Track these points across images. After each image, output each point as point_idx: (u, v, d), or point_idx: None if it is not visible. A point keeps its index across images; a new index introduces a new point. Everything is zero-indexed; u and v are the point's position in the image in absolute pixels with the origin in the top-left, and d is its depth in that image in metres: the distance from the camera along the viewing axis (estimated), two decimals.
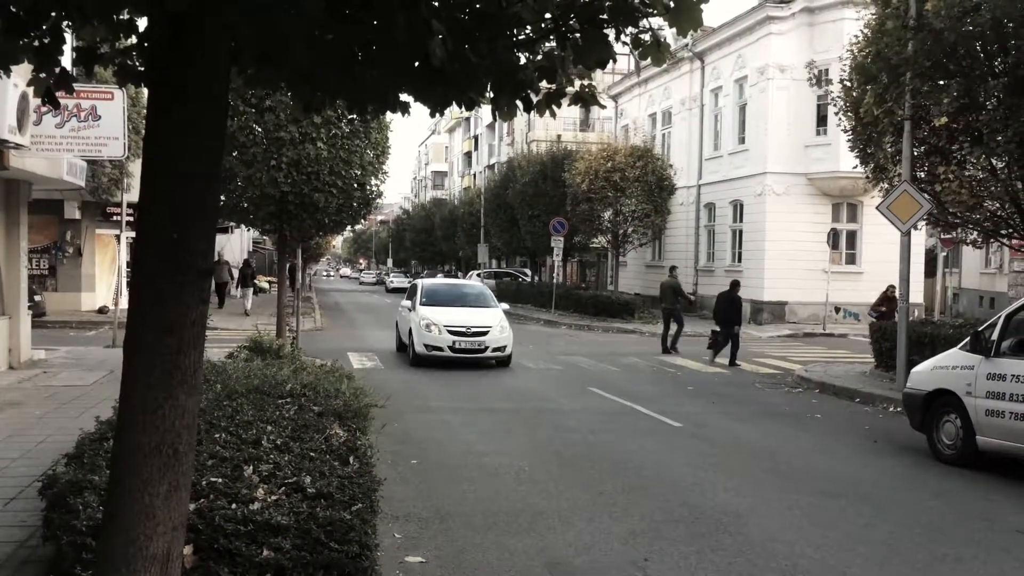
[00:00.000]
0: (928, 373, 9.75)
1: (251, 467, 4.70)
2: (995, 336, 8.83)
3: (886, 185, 15.57)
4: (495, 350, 16.56)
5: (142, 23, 3.46)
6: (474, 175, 74.74)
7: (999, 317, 9.04)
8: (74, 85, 3.70)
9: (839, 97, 15.88)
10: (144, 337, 3.19)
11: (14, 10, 3.15)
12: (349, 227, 20.38)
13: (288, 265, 18.20)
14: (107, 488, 3.45)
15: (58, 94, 3.66)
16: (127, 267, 22.91)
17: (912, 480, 8.52)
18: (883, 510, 7.28)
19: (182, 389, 3.22)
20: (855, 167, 17.40)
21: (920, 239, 26.53)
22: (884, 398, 13.14)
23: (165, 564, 3.22)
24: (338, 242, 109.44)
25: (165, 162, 3.22)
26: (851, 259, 29.61)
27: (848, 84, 15.44)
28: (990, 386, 8.68)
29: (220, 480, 4.45)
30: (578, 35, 3.34)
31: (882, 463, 9.24)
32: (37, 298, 21.45)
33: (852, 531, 6.65)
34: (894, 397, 12.48)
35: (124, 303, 19.07)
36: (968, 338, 9.30)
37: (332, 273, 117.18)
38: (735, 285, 19.23)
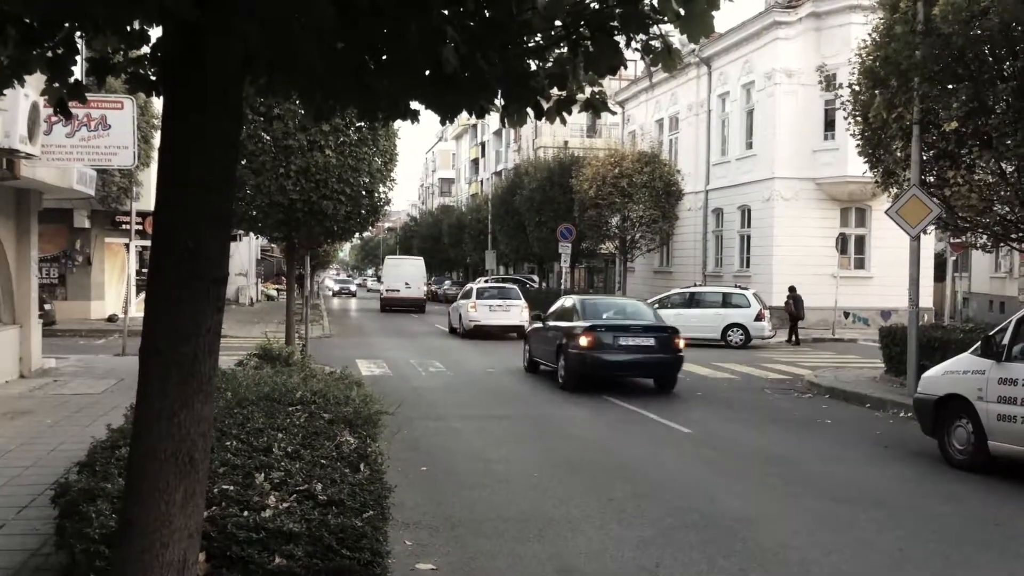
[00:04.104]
0: (939, 378, 9.70)
1: (262, 474, 4.69)
2: (1006, 340, 8.79)
3: (895, 189, 15.53)
4: None
5: (154, 33, 3.48)
6: (481, 182, 74.77)
7: (1010, 321, 9.00)
8: (85, 94, 3.71)
9: (848, 101, 15.86)
10: (160, 345, 3.20)
11: (28, 21, 3.18)
12: (357, 234, 20.40)
13: (295, 274, 18.26)
14: (123, 495, 3.46)
15: (70, 104, 3.68)
16: (136, 276, 22.98)
17: (924, 485, 8.48)
18: (895, 516, 7.25)
19: (198, 397, 3.23)
20: (864, 172, 17.39)
21: (929, 243, 26.46)
22: (895, 403, 13.08)
23: (181, 571, 3.22)
24: (346, 249, 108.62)
25: (179, 171, 3.24)
26: (860, 264, 29.55)
27: (856, 88, 15.41)
28: (1002, 391, 8.63)
29: (232, 487, 4.45)
30: (589, 42, 3.33)
31: (893, 468, 9.20)
32: (47, 307, 21.58)
33: (864, 537, 6.62)
34: (904, 402, 12.42)
35: (133, 311, 19.12)
36: (979, 343, 9.26)
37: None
38: None
